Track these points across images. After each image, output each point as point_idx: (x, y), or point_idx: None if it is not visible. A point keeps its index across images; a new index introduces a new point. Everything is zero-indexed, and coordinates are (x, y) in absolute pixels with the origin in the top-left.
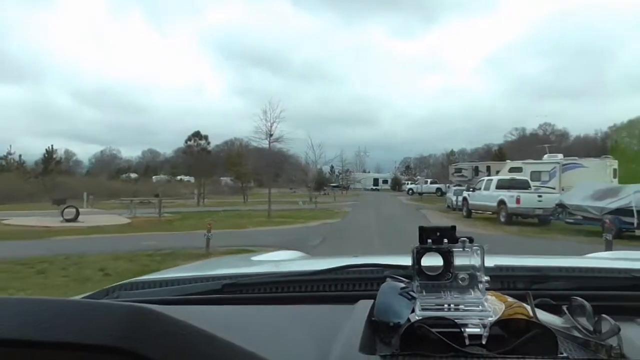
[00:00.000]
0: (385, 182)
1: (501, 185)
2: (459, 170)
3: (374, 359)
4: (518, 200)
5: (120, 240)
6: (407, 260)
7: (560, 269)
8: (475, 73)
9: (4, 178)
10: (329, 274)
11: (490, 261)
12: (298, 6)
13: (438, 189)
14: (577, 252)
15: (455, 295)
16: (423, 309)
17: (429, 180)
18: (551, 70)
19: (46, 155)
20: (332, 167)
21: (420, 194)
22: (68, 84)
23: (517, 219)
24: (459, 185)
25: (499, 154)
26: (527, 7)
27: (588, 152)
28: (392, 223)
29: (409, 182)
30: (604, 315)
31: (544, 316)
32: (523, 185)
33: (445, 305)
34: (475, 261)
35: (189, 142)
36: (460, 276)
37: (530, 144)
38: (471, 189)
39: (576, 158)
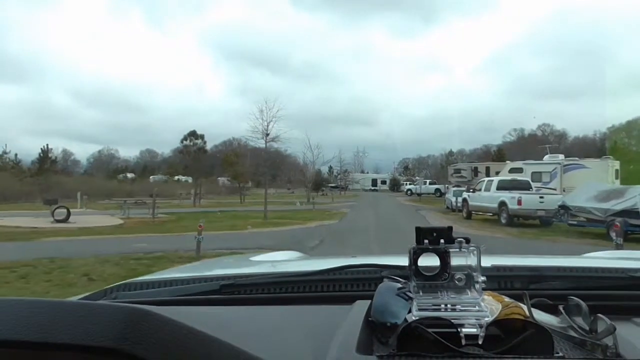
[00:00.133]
0: (383, 182)
1: (502, 186)
2: (458, 170)
3: (371, 359)
4: (519, 202)
5: (110, 242)
6: (404, 261)
7: (556, 268)
8: (474, 73)
9: None
10: (327, 274)
11: (487, 261)
12: (298, 6)
13: (437, 190)
14: (579, 255)
15: (452, 296)
16: (420, 309)
17: (427, 181)
18: (550, 70)
19: (41, 154)
20: (330, 167)
21: (419, 194)
22: (67, 84)
23: (518, 220)
24: (458, 186)
25: (498, 154)
26: (525, 8)
27: (587, 153)
28: (391, 224)
29: (408, 182)
30: (599, 314)
31: (540, 316)
32: (524, 186)
33: (442, 306)
34: (471, 261)
35: (184, 142)
36: (457, 276)
37: (529, 145)
38: (471, 190)
39: (577, 159)
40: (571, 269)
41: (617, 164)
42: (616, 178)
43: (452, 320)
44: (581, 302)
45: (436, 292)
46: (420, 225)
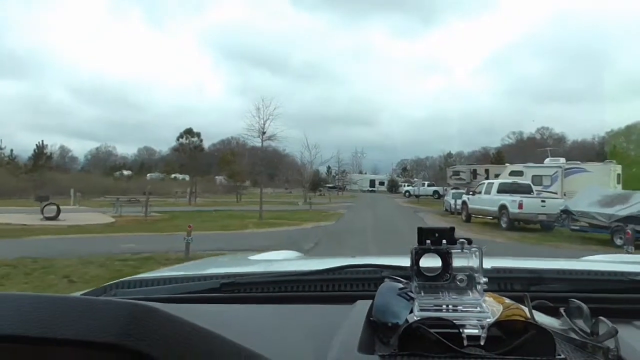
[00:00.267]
0: (381, 183)
1: (503, 189)
2: (456, 173)
3: (372, 358)
4: (520, 205)
5: (98, 242)
6: (404, 262)
7: (557, 271)
8: (473, 75)
9: None
10: (327, 274)
11: (488, 263)
12: (298, 6)
13: (435, 192)
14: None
15: (453, 296)
16: (421, 310)
17: (426, 183)
18: (550, 73)
19: (36, 150)
20: (328, 167)
21: (417, 196)
22: (66, 80)
23: (518, 224)
24: (457, 188)
25: (497, 157)
26: (525, 10)
27: (586, 157)
28: (388, 227)
29: (406, 184)
30: (601, 317)
31: (541, 318)
32: (525, 190)
33: (444, 306)
34: (473, 262)
35: (180, 140)
36: (459, 277)
37: (527, 148)
38: (471, 193)
39: (579, 162)
40: (571, 271)
41: (619, 168)
42: (618, 182)
43: (454, 321)
44: (582, 304)
45: (437, 292)
46: (419, 227)
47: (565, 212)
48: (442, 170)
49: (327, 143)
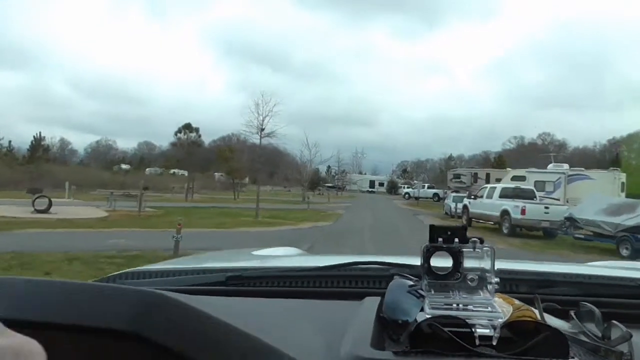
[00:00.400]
0: (381, 184)
1: (505, 194)
2: (457, 176)
3: (386, 354)
4: (523, 211)
5: (87, 237)
6: (410, 261)
7: (565, 274)
8: (475, 79)
9: None
10: (334, 270)
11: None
12: (300, 4)
13: (435, 195)
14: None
15: (463, 296)
16: (432, 308)
17: (426, 185)
18: (551, 80)
19: (34, 142)
20: (328, 167)
21: (417, 198)
22: (68, 73)
23: (520, 231)
24: (457, 192)
25: (499, 161)
26: (529, 16)
27: (587, 164)
28: (387, 229)
29: (406, 185)
30: (614, 321)
31: (551, 320)
32: (528, 195)
33: (454, 305)
34: (485, 262)
35: (179, 134)
36: (470, 277)
37: (528, 153)
38: (472, 197)
39: (583, 169)
40: (580, 275)
41: (623, 176)
42: (622, 191)
43: (466, 320)
44: (594, 308)
45: (448, 291)
46: (418, 232)
47: (570, 219)
48: (443, 172)
49: (328, 143)
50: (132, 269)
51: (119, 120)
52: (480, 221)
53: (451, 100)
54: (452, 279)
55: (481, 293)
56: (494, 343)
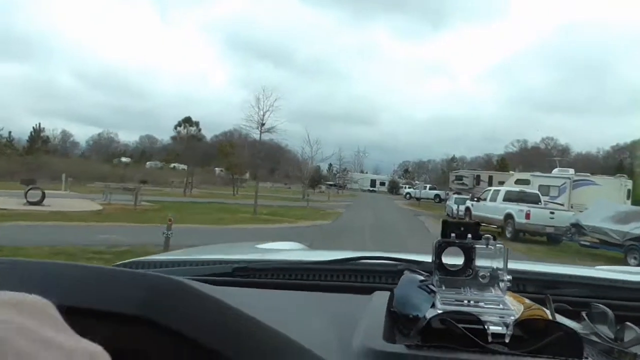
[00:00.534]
0: (382, 184)
1: (509, 198)
2: (459, 177)
3: (399, 347)
4: (528, 215)
5: (77, 230)
6: (416, 258)
7: (575, 276)
8: (478, 81)
9: None
10: (343, 264)
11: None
12: (304, 1)
13: (436, 196)
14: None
15: (474, 292)
16: (443, 304)
17: (427, 186)
18: (556, 84)
19: (33, 133)
20: (330, 165)
21: (418, 199)
22: (71, 65)
23: (524, 235)
24: (459, 193)
25: (502, 164)
26: (533, 21)
27: (590, 170)
28: (388, 230)
29: (407, 185)
30: (628, 323)
31: (562, 321)
32: (533, 199)
33: (465, 301)
34: (497, 259)
35: (178, 128)
36: (481, 273)
37: (531, 157)
38: (475, 199)
39: (589, 174)
40: (590, 278)
41: (629, 183)
42: (627, 198)
43: (479, 317)
44: (607, 309)
45: (459, 287)
46: (420, 235)
47: (575, 225)
48: (445, 174)
49: (330, 141)
50: (137, 259)
51: (122, 113)
52: (483, 224)
53: (454, 101)
54: (464, 276)
55: (492, 290)
56: (507, 341)
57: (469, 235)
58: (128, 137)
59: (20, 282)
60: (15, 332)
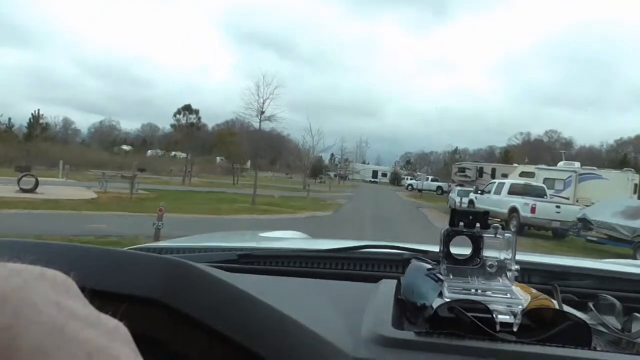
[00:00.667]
0: (384, 175)
1: (514, 191)
2: (462, 169)
3: (408, 334)
4: (533, 209)
5: (68, 219)
6: (422, 247)
7: (582, 268)
8: (483, 74)
9: None
10: (348, 252)
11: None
12: None
13: (439, 187)
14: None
15: (482, 281)
16: (451, 292)
17: (429, 178)
18: (560, 78)
19: (32, 120)
20: (332, 155)
21: (420, 190)
22: (75, 53)
23: (529, 230)
24: (462, 185)
25: (506, 156)
26: (540, 14)
27: (593, 163)
28: (389, 223)
29: (409, 177)
30: (636, 314)
31: (569, 311)
32: (539, 193)
33: (472, 290)
34: (505, 249)
35: (178, 116)
36: (489, 263)
37: (534, 149)
38: (479, 192)
39: (595, 168)
40: (597, 270)
41: (636, 178)
42: (634, 192)
43: (487, 306)
44: (615, 300)
45: (466, 276)
46: (422, 228)
47: (583, 220)
48: (448, 165)
49: (333, 132)
50: (145, 244)
51: (125, 102)
52: None
53: (457, 93)
54: (471, 265)
55: (500, 280)
56: (515, 329)
57: (478, 225)
58: (130, 125)
59: (43, 262)
60: (46, 300)
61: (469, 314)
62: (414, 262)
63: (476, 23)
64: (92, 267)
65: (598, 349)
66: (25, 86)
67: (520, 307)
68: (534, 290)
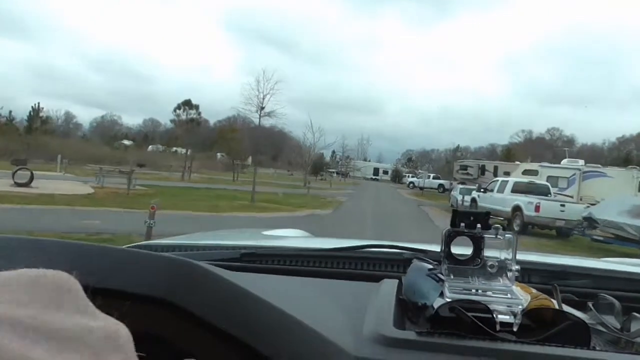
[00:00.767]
0: (385, 172)
1: (517, 189)
2: (464, 167)
3: (409, 334)
4: (537, 208)
5: (61, 215)
6: (425, 247)
7: (581, 267)
8: (484, 72)
9: None
10: (350, 252)
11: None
12: None
13: (440, 185)
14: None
15: (482, 282)
16: (452, 292)
17: (431, 175)
18: (562, 76)
19: (31, 113)
20: (333, 152)
21: (422, 188)
22: (77, 48)
23: (532, 228)
24: (464, 183)
25: (507, 154)
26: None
27: (595, 161)
28: (391, 222)
29: (410, 174)
30: (635, 314)
31: (569, 310)
32: (543, 191)
33: (473, 290)
34: (506, 249)
35: (177, 111)
36: (490, 263)
37: (536, 147)
38: (482, 190)
39: (599, 166)
40: (597, 269)
41: None
42: (639, 190)
43: (487, 306)
44: (614, 300)
45: (467, 276)
46: (424, 228)
47: (588, 219)
48: (449, 163)
49: (334, 129)
50: (142, 242)
51: (126, 96)
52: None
53: (458, 92)
54: (472, 265)
55: (500, 280)
56: (515, 329)
57: (479, 225)
58: (132, 120)
59: (45, 261)
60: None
61: (470, 314)
62: (415, 262)
63: (478, 21)
64: (95, 266)
65: (597, 348)
66: (28, 80)
67: (520, 307)
68: (534, 290)
